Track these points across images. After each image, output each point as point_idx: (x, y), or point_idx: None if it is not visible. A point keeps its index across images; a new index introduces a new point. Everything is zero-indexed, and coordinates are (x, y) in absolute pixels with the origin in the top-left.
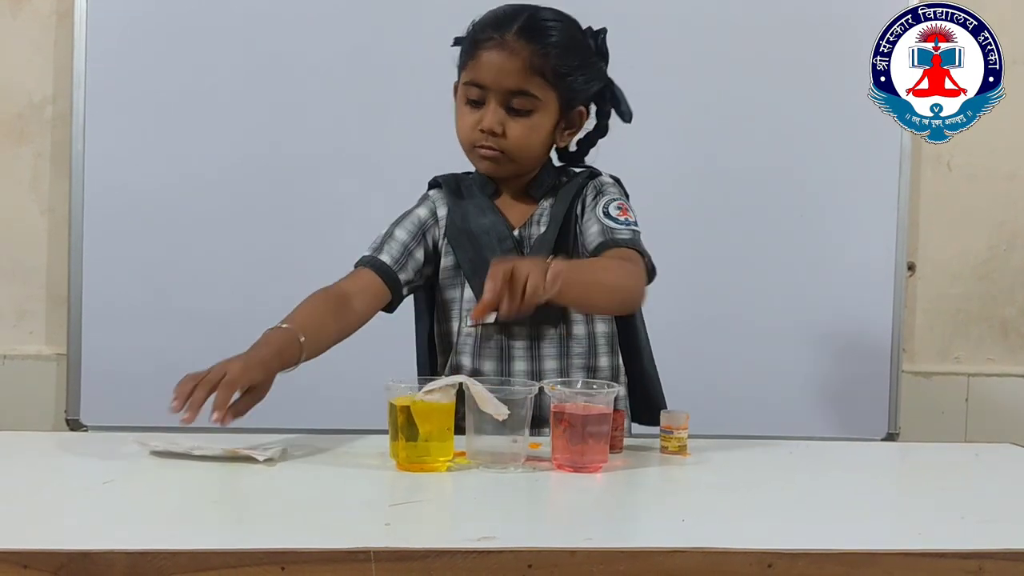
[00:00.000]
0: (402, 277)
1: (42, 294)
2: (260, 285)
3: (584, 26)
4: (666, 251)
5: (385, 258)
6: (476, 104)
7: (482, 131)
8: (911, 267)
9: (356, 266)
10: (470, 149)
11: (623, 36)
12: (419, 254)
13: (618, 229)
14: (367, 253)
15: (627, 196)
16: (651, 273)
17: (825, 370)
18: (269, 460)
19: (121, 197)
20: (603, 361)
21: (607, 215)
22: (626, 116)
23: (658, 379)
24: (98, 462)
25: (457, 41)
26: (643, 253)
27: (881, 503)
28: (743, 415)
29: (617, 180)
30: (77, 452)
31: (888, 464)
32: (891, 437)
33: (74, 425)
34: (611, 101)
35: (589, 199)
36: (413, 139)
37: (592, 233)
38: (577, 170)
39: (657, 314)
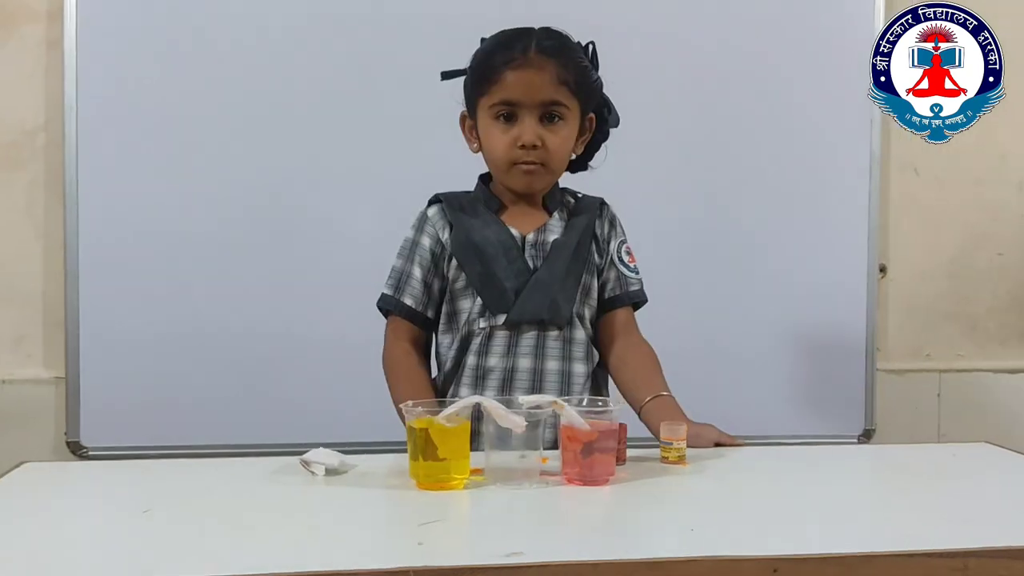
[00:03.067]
0: (429, 313)
1: (39, 318)
2: (256, 307)
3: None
4: (642, 258)
5: (409, 302)
6: (508, 121)
7: (523, 146)
8: (883, 269)
9: (382, 309)
10: (508, 167)
11: (614, 33)
12: (435, 285)
13: (630, 279)
14: (387, 292)
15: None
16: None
17: (803, 370)
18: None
19: (115, 221)
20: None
21: (621, 261)
22: (614, 121)
23: None
24: (136, 489)
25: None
26: (643, 300)
27: (868, 506)
28: (725, 416)
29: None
30: (110, 481)
31: (870, 467)
32: (867, 434)
33: (74, 447)
34: (605, 107)
35: (607, 228)
36: (407, 159)
37: (610, 279)
38: (580, 193)
39: (635, 320)
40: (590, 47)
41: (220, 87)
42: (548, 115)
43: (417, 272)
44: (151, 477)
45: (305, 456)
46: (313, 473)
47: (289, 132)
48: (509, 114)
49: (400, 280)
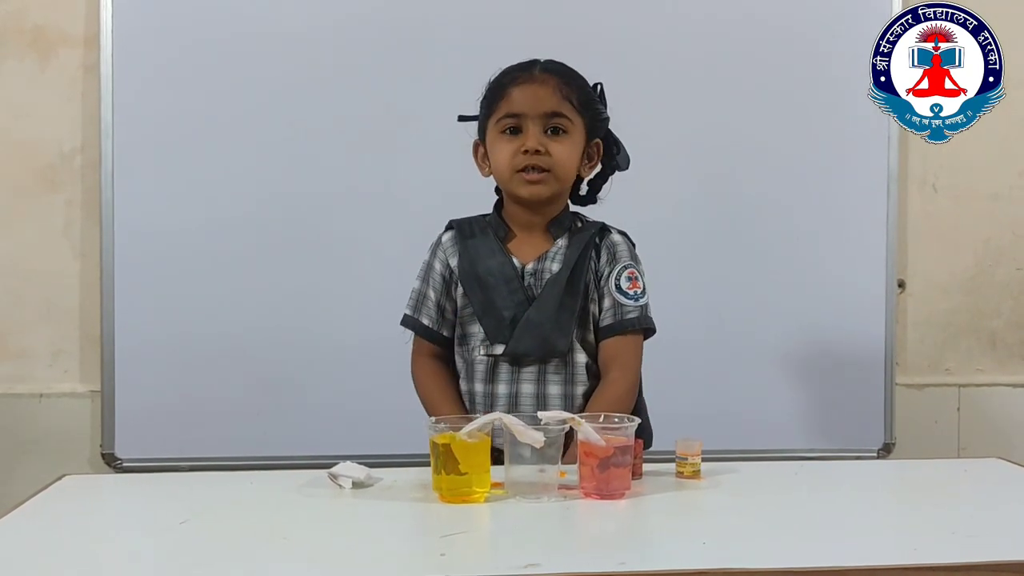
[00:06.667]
0: (444, 332)
1: (76, 334)
2: (287, 322)
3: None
4: (663, 274)
5: (426, 321)
6: (513, 133)
7: (526, 152)
8: (901, 284)
9: (405, 326)
10: (511, 176)
11: (611, 32)
12: (448, 306)
13: (627, 307)
14: (408, 312)
15: (634, 245)
16: (649, 333)
17: (823, 385)
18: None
19: (149, 240)
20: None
21: (619, 288)
22: (623, 162)
23: (645, 405)
24: (172, 502)
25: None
26: (645, 329)
27: (879, 520)
28: (744, 429)
29: (624, 235)
30: (148, 494)
31: (885, 481)
32: (887, 448)
33: (109, 459)
34: (614, 144)
35: (604, 259)
36: (434, 176)
37: (605, 308)
38: (589, 219)
39: (656, 334)
40: (598, 87)
41: (252, 110)
42: (552, 128)
43: (432, 295)
44: (186, 490)
45: (333, 470)
46: (340, 486)
47: (322, 153)
48: (515, 127)
49: (418, 301)
